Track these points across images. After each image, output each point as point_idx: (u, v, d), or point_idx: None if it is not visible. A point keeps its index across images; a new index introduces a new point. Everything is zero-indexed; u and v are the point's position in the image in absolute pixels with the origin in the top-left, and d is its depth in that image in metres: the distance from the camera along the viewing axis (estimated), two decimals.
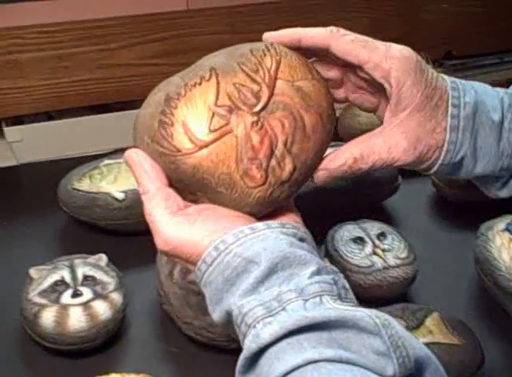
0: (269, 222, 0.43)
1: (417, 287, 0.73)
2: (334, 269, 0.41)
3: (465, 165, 0.47)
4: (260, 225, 0.42)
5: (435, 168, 0.47)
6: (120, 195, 0.74)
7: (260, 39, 0.93)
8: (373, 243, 0.71)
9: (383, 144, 0.46)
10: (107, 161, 0.79)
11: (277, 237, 0.41)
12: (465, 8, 1.08)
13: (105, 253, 0.69)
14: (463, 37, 1.10)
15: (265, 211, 0.46)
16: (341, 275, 0.41)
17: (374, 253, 0.70)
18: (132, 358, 0.64)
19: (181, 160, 0.42)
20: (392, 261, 0.69)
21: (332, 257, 0.71)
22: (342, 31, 0.46)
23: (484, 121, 0.46)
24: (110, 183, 0.75)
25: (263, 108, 0.43)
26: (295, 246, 0.41)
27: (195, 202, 0.45)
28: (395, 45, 0.45)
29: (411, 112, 0.45)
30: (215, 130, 0.42)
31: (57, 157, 0.92)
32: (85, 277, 0.64)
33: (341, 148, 0.46)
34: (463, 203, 0.84)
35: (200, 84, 0.43)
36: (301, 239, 0.43)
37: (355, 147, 0.46)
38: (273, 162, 0.43)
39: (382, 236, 0.72)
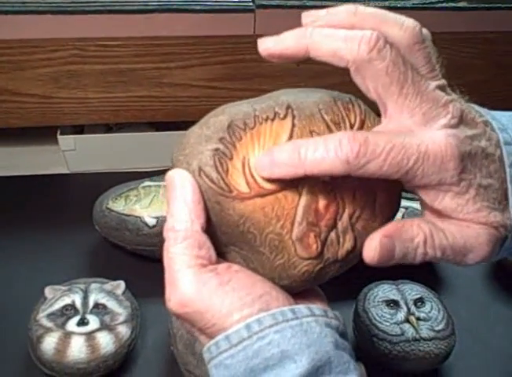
0: (312, 306, 0.35)
1: (452, 364, 0.66)
2: None
3: None
4: (302, 308, 0.35)
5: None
6: (151, 221, 0.72)
7: (325, 70, 0.90)
8: (408, 308, 0.65)
9: (455, 228, 0.35)
10: (147, 183, 0.77)
11: (322, 331, 0.34)
12: None
13: (129, 279, 0.68)
14: None
15: (299, 290, 0.38)
16: None
17: (407, 320, 0.64)
18: None
19: (229, 203, 0.35)
20: (425, 333, 0.63)
21: (360, 318, 0.65)
22: None
23: None
24: (144, 207, 0.73)
25: None
26: (340, 347, 0.34)
27: (222, 257, 0.37)
28: None
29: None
30: (279, 179, 0.35)
31: (109, 170, 0.92)
32: (97, 305, 0.62)
33: (407, 220, 0.35)
34: None
35: (273, 120, 0.36)
36: (343, 335, 0.36)
37: (422, 223, 0.35)
38: (333, 234, 0.36)
39: (419, 301, 0.66)
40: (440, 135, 0.33)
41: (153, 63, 0.85)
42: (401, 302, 0.66)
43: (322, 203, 0.36)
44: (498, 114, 0.37)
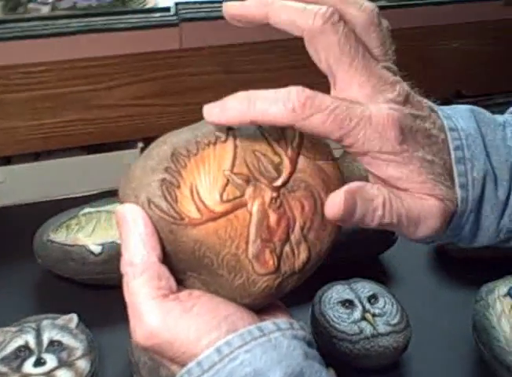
0: (277, 321, 0.36)
1: (411, 354, 0.68)
2: None
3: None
4: (269, 324, 0.35)
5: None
6: (97, 249, 0.70)
7: (254, 79, 0.90)
8: (363, 306, 0.66)
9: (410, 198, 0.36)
10: (87, 209, 0.75)
11: (290, 345, 0.34)
12: (475, 47, 1.03)
13: (80, 309, 0.66)
14: (473, 76, 1.05)
15: (262, 306, 0.39)
16: None
17: (364, 318, 0.65)
18: None
19: (182, 231, 0.35)
20: (382, 328, 0.64)
21: (318, 322, 0.66)
22: None
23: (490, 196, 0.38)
24: (87, 235, 0.71)
25: (284, 184, 0.37)
26: (310, 357, 0.35)
27: (181, 284, 0.37)
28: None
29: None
30: (228, 201, 0.36)
31: (42, 199, 0.89)
32: (51, 342, 0.60)
33: (368, 182, 0.37)
34: (467, 260, 0.78)
35: (215, 144, 0.36)
36: (310, 344, 0.37)
37: (382, 187, 0.36)
38: (287, 248, 0.37)
39: (373, 298, 0.68)
40: (384, 106, 0.35)
41: (80, 85, 0.83)
42: (356, 301, 0.67)
43: (273, 218, 0.36)
44: (441, 107, 0.39)
